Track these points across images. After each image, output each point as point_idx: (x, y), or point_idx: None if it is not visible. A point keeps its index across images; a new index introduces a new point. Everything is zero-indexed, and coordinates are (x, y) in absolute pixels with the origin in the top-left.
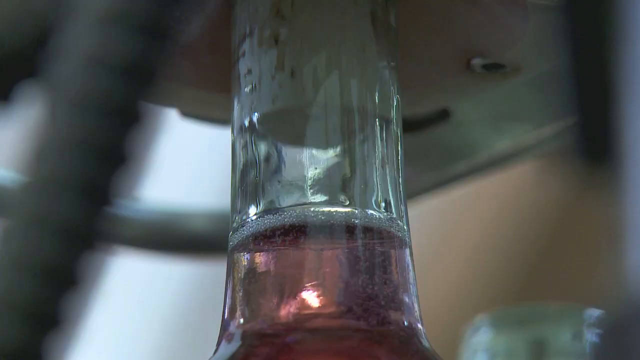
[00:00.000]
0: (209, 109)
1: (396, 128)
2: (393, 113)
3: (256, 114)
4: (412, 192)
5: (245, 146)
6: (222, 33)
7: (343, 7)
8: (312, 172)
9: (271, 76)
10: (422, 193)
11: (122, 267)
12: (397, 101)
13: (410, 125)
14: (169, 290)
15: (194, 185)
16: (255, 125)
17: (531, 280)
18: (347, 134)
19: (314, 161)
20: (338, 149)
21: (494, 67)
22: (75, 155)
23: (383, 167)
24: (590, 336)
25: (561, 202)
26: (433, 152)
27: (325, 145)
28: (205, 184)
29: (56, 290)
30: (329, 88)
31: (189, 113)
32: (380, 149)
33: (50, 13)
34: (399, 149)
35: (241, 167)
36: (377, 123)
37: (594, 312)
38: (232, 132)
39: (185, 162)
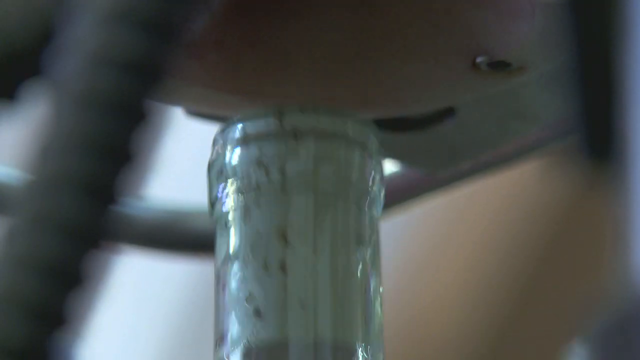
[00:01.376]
0: (214, 107)
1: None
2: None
3: (256, 340)
4: (417, 191)
5: None
6: (227, 31)
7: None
8: None
9: (279, 305)
10: (427, 192)
11: (126, 264)
12: (380, 325)
13: (416, 124)
14: (173, 287)
15: (199, 184)
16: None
17: (534, 279)
18: None
19: None
20: None
21: (499, 66)
22: (80, 153)
23: None
24: None
25: (565, 201)
26: (438, 151)
27: None
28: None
29: (61, 288)
30: (329, 321)
31: (194, 111)
32: None
33: (55, 11)
34: None
35: None
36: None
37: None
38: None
39: (191, 160)
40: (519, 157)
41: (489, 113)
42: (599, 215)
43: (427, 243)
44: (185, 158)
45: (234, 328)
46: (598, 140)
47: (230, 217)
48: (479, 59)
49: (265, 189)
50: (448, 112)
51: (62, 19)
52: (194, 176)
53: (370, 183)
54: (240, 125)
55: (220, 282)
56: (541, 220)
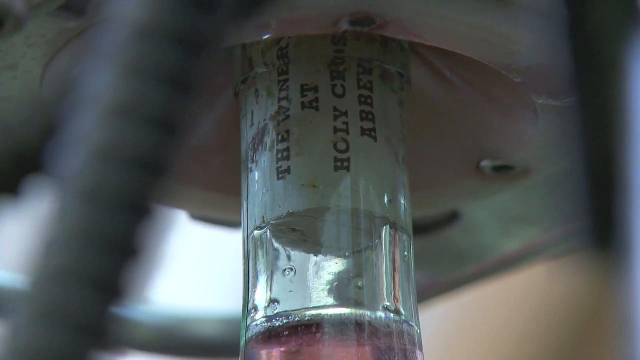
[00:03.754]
0: (217, 211)
1: (407, 232)
2: (403, 218)
3: (267, 218)
4: (423, 296)
5: (255, 250)
6: (231, 135)
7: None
8: (322, 275)
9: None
10: (433, 296)
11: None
12: (407, 206)
13: (420, 228)
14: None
15: (204, 287)
16: (265, 229)
17: None
18: (357, 238)
19: (324, 264)
20: (348, 252)
21: (503, 169)
22: (84, 249)
23: (393, 269)
24: None
25: (573, 302)
26: (443, 255)
27: (335, 249)
28: (215, 286)
29: None
30: (341, 193)
31: (198, 215)
32: (390, 253)
33: (59, 106)
34: (410, 252)
35: (250, 267)
36: (388, 227)
37: None
38: (243, 235)
39: (196, 263)
40: (524, 262)
41: (494, 217)
42: (608, 312)
43: (439, 347)
44: (190, 259)
45: (248, 211)
46: (603, 239)
47: None
48: (483, 163)
49: None
50: (453, 216)
51: (65, 114)
52: (199, 279)
53: None
54: None
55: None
56: (551, 322)
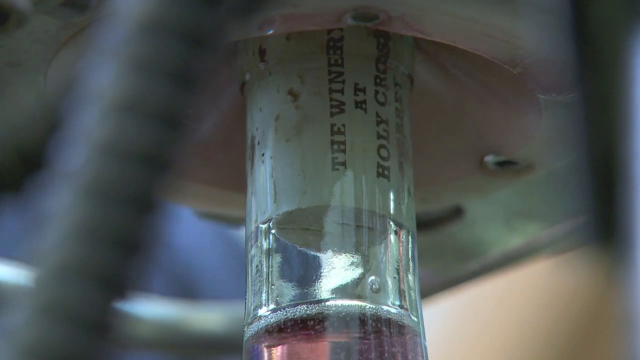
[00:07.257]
0: (221, 206)
1: (410, 230)
2: (405, 216)
3: (272, 215)
4: (427, 291)
5: (258, 244)
6: (235, 131)
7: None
8: (325, 270)
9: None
10: (436, 292)
11: None
12: (410, 204)
13: (424, 224)
14: None
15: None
16: (270, 225)
17: None
18: (362, 236)
19: (326, 259)
20: (352, 249)
21: (507, 165)
22: (88, 244)
23: (397, 266)
24: None
25: (576, 297)
26: (447, 251)
27: (339, 245)
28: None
29: None
30: (345, 191)
31: (204, 212)
32: (394, 249)
33: (63, 101)
34: (413, 249)
35: (254, 263)
36: (391, 225)
37: None
38: (246, 230)
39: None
40: (527, 257)
41: (498, 212)
42: (611, 308)
43: (442, 343)
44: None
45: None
46: (606, 234)
47: None
48: (486, 158)
49: None
50: (456, 212)
51: (69, 110)
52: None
53: None
54: None
55: None
56: (556, 316)
